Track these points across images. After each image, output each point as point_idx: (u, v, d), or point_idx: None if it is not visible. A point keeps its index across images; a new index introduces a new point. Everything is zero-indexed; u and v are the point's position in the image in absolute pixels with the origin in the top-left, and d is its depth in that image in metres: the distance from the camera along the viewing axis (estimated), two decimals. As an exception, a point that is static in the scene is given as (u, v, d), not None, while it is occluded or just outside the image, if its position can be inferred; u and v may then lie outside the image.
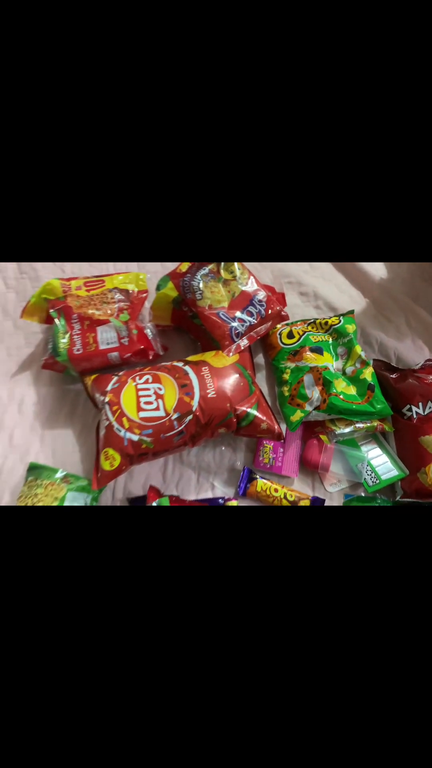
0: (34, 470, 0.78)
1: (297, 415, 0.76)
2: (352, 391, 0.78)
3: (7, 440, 0.82)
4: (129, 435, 0.68)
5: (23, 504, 0.73)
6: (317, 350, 0.82)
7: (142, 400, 0.70)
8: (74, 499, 0.74)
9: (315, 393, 0.76)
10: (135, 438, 0.68)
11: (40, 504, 0.73)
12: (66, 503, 0.73)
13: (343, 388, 0.77)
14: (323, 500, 0.75)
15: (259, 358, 0.90)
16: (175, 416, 0.69)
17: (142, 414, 0.69)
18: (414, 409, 0.75)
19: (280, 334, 0.85)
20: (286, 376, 0.80)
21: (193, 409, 0.69)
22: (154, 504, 0.68)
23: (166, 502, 0.68)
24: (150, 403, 0.70)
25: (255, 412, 0.72)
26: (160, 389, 0.71)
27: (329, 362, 0.81)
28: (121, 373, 0.75)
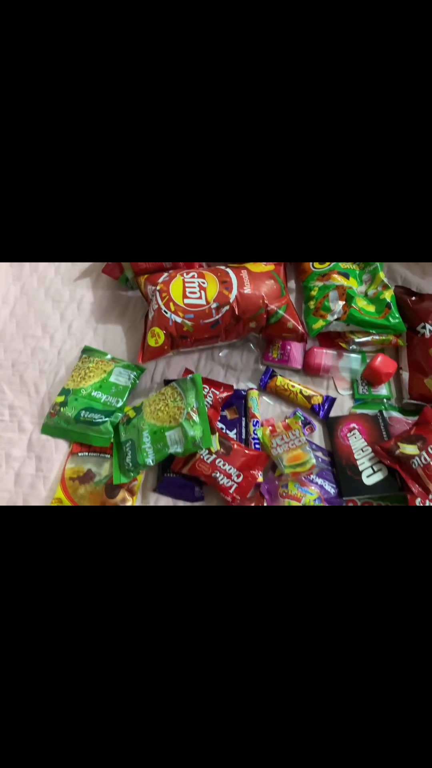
0: (88, 351, 0.91)
1: (319, 324, 0.86)
2: (372, 309, 0.87)
3: (66, 329, 0.96)
4: (174, 317, 0.80)
5: (76, 374, 0.86)
6: (344, 274, 0.91)
7: (188, 289, 0.82)
8: (120, 374, 0.87)
9: (338, 306, 0.86)
10: (179, 320, 0.80)
11: (91, 374, 0.86)
12: (112, 377, 0.86)
13: (363, 305, 0.86)
14: (334, 399, 0.84)
15: (291, 284, 1.01)
16: (214, 305, 0.80)
17: (187, 301, 0.81)
18: (428, 326, 0.83)
19: (312, 261, 0.95)
20: (314, 293, 0.90)
21: (230, 300, 0.80)
22: (188, 378, 0.79)
23: (199, 377, 0.79)
24: (194, 292, 0.81)
25: (283, 312, 0.82)
26: (203, 283, 0.82)
27: (354, 285, 0.90)
28: (171, 271, 0.87)
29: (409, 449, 0.73)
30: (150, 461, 0.75)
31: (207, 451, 0.75)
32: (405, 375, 0.84)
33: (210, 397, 0.81)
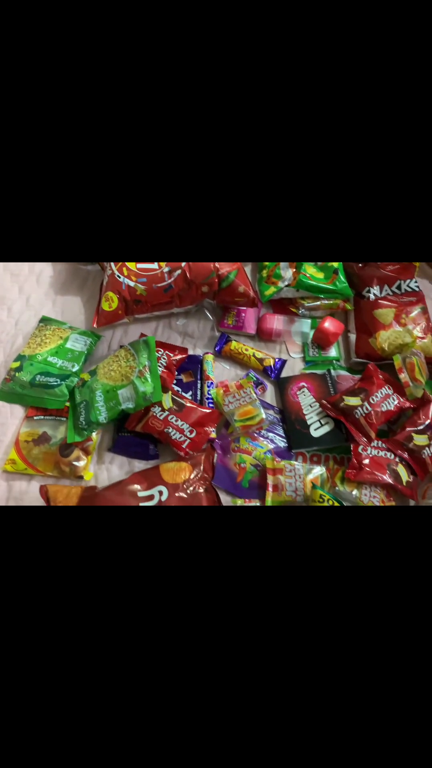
0: (45, 320, 0.92)
1: (270, 290, 0.89)
2: (321, 275, 0.91)
3: (25, 301, 0.97)
4: (127, 281, 0.82)
5: (33, 341, 0.87)
6: (295, 245, 0.95)
7: (141, 255, 0.84)
8: (76, 340, 0.88)
9: (288, 273, 0.89)
10: (131, 284, 0.82)
11: (48, 341, 0.87)
12: (68, 343, 0.87)
13: (312, 272, 0.90)
14: (285, 361, 0.87)
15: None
16: (166, 269, 0.82)
17: (140, 265, 0.83)
18: (372, 290, 0.87)
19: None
20: (266, 262, 0.94)
21: (182, 264, 0.83)
22: (141, 339, 0.81)
23: (152, 339, 0.81)
24: (147, 257, 0.83)
25: (234, 277, 0.85)
26: (156, 249, 0.85)
27: (304, 255, 0.94)
28: (125, 240, 0.89)
29: (353, 401, 0.76)
30: (102, 419, 0.76)
31: (160, 409, 0.77)
32: (352, 337, 0.88)
33: (164, 359, 0.83)
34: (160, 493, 0.67)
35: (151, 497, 0.67)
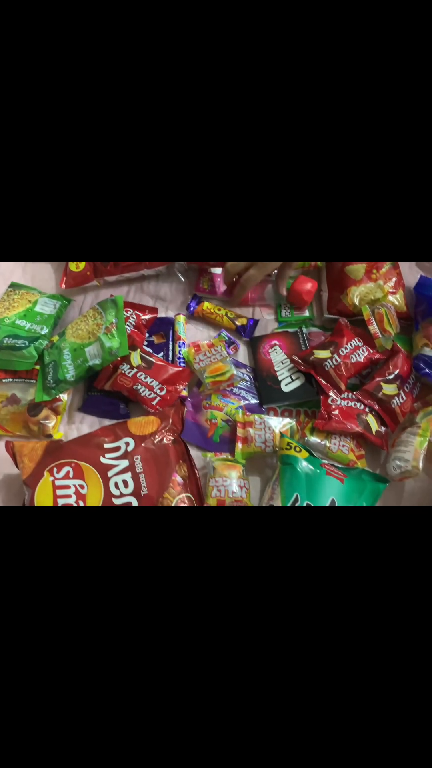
0: (14, 286, 0.90)
1: (242, 250, 0.88)
2: (293, 235, 0.90)
3: (-6, 268, 0.95)
4: (94, 240, 0.81)
5: (1, 306, 0.85)
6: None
7: (108, 214, 0.82)
8: (45, 303, 0.86)
9: (259, 232, 0.88)
10: (99, 243, 0.81)
11: (16, 305, 0.86)
12: (37, 306, 0.86)
13: (284, 231, 0.90)
14: (257, 320, 0.87)
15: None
16: (134, 228, 0.81)
17: (107, 224, 0.82)
18: (343, 248, 0.87)
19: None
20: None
21: (150, 223, 0.82)
22: (109, 299, 0.80)
23: (120, 298, 0.80)
24: (114, 216, 0.82)
25: (204, 236, 0.84)
26: (124, 208, 0.83)
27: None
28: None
29: (323, 354, 0.76)
30: (70, 377, 0.75)
31: (128, 366, 0.76)
32: (324, 296, 0.88)
33: (133, 318, 0.82)
34: (127, 444, 0.66)
35: (117, 449, 0.66)
